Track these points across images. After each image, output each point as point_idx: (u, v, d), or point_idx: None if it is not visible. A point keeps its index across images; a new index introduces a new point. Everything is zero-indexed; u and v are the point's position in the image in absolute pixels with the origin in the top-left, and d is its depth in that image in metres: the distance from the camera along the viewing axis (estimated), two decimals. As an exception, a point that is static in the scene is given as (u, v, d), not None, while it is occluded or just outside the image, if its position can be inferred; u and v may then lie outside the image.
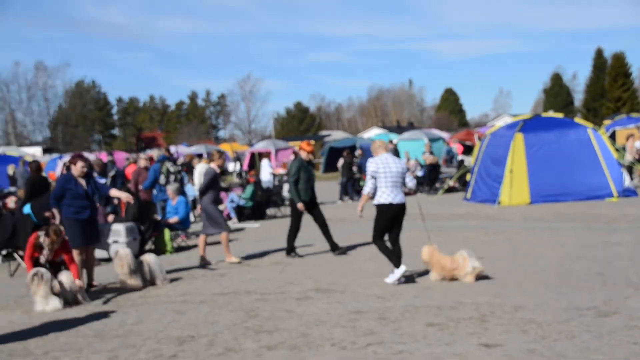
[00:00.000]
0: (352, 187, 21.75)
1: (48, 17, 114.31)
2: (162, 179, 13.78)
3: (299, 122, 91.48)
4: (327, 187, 26.09)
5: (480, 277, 8.55)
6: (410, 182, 8.93)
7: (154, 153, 16.67)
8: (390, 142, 24.40)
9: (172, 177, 13.78)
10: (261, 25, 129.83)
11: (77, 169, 9.17)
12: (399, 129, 64.78)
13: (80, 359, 6.04)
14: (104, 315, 7.75)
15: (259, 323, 6.99)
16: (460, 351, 5.73)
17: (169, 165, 13.95)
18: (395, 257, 8.58)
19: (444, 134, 43.08)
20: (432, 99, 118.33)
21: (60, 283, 8.28)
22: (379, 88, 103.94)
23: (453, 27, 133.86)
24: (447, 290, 8.07)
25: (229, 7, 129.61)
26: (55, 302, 8.10)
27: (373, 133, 57.38)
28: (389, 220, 8.60)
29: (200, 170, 16.65)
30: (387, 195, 8.54)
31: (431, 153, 24.69)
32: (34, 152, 50.50)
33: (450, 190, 22.27)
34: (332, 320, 6.97)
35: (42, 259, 8.74)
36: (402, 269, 8.49)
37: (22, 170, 20.70)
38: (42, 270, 8.19)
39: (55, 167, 30.53)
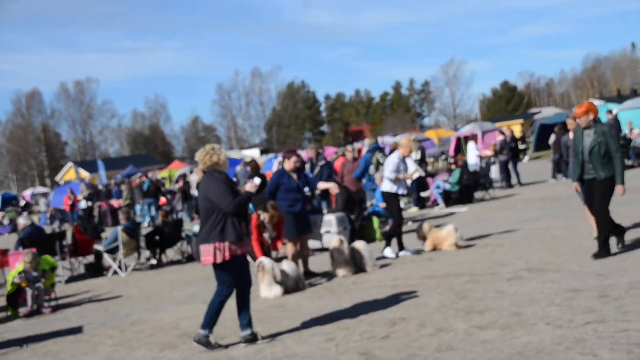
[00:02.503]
0: (565, 163, 20.54)
1: (261, 25, 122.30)
2: (371, 169, 14.08)
3: (507, 102, 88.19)
4: (539, 165, 24.97)
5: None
6: None
7: (365, 142, 17.14)
8: (610, 112, 22.57)
9: (381, 167, 14.06)
10: (462, 6, 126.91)
11: (290, 163, 9.74)
12: (619, 98, 59.62)
13: (300, 340, 6.44)
14: (320, 300, 8.18)
15: (469, 304, 6.92)
16: (694, 329, 5.21)
17: (379, 155, 14.25)
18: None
19: (673, 99, 38.82)
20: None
21: (282, 271, 8.87)
22: (596, 57, 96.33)
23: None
24: (678, 265, 7.35)
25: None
26: (277, 289, 8.70)
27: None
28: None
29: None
30: None
31: (657, 120, 22.53)
32: (252, 154, 54.36)
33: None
34: (547, 299, 6.70)
35: (266, 236, 9.66)
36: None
37: (243, 170, 22.39)
38: (265, 260, 8.83)
39: (271, 167, 32.57)
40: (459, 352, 5.43)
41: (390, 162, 10.48)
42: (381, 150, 14.82)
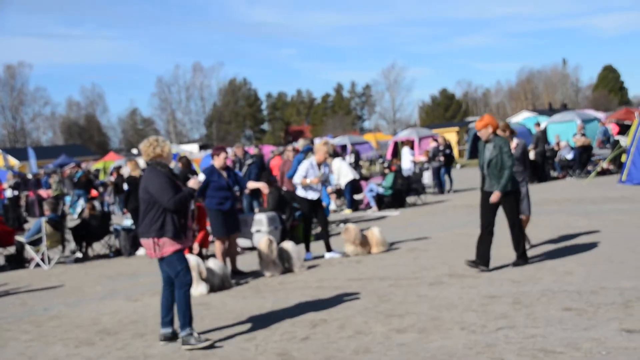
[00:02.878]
0: None
1: (204, 20, 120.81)
2: None
3: (445, 109, 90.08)
4: (472, 173, 25.56)
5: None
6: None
7: (300, 143, 17.16)
8: (537, 124, 23.44)
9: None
10: (405, 13, 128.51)
11: (220, 160, 9.67)
12: (550, 111, 61.72)
13: (221, 339, 6.42)
14: (245, 299, 8.17)
15: (390, 307, 7.05)
16: (598, 336, 5.46)
17: (312, 156, 14.31)
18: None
19: (600, 115, 40.47)
20: (588, 78, 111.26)
21: (209, 269, 8.80)
22: (529, 70, 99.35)
23: (611, 0, 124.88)
24: (589, 275, 7.68)
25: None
26: (202, 287, 8.64)
27: (522, 117, 55.11)
28: None
29: (337, 164, 16.91)
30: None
31: (583, 135, 23.43)
32: (191, 149, 53.74)
33: (604, 173, 20.99)
34: (464, 304, 6.89)
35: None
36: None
37: (177, 166, 22.10)
38: (191, 257, 8.75)
39: (209, 163, 32.33)
40: (375, 355, 5.53)
41: (301, 168, 10.57)
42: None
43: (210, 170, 9.68)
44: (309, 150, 14.61)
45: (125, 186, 14.21)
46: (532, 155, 21.47)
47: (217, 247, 9.62)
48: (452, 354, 5.35)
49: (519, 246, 8.62)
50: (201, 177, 6.37)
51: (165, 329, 6.47)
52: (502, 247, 9.91)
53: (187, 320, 6.25)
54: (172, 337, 6.45)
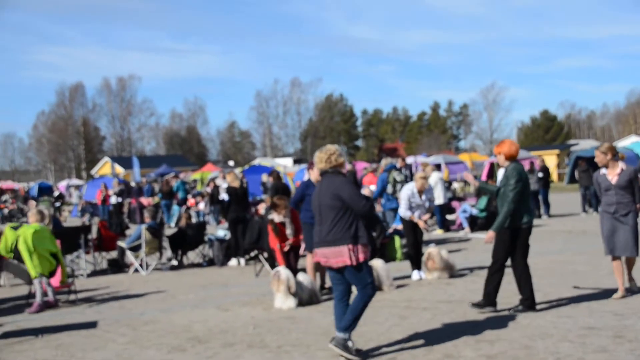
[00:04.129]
0: (594, 197, 20.29)
1: (303, 35, 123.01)
2: (389, 188, 14.11)
3: (545, 131, 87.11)
4: (571, 197, 24.63)
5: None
6: None
7: (382, 163, 17.10)
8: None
9: (398, 186, 14.01)
10: (507, 32, 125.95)
11: (316, 174, 9.77)
12: (659, 136, 58.57)
13: (307, 355, 6.44)
14: (332, 315, 8.14)
15: (480, 332, 6.85)
16: None
17: (395, 174, 14.26)
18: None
19: None
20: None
21: (298, 283, 8.88)
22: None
23: None
24: (699, 312, 7.18)
25: (475, 16, 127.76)
26: (291, 301, 8.72)
27: (630, 141, 52.61)
28: None
29: (435, 178, 16.67)
30: None
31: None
32: (285, 162, 54.58)
33: None
34: (559, 334, 6.60)
35: (287, 247, 9.76)
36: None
37: (267, 180, 22.56)
38: (282, 269, 8.86)
39: (302, 177, 32.71)
40: (463, 381, 5.38)
41: (403, 199, 10.46)
42: (398, 169, 14.79)
43: (306, 184, 9.79)
44: (391, 168, 14.54)
45: (224, 196, 14.57)
46: None
47: (308, 261, 9.68)
48: (545, 386, 5.13)
49: (485, 291, 7.79)
50: (372, 187, 6.60)
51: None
52: (603, 276, 9.48)
53: (350, 325, 6.21)
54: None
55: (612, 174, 8.15)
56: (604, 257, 8.68)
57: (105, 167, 63.70)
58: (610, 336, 6.43)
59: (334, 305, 6.43)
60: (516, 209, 7.53)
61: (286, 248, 10.09)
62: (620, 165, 8.20)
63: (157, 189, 31.17)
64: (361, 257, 6.16)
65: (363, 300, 6.19)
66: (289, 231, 10.08)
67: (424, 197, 10.50)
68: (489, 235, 7.66)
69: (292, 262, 10.11)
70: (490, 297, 7.74)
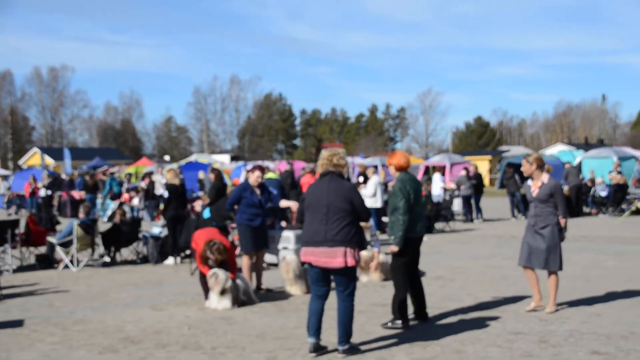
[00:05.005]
0: (521, 202, 20.99)
1: (244, 32, 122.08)
2: None
3: (478, 137, 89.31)
4: (502, 202, 25.39)
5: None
6: None
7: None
8: (568, 163, 23.24)
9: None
10: (444, 39, 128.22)
11: (254, 178, 9.76)
12: (586, 146, 60.98)
13: (242, 357, 6.43)
14: (268, 317, 8.17)
15: (414, 336, 6.98)
16: (625, 384, 5.34)
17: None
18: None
19: (638, 153, 39.88)
20: (628, 115, 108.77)
21: (234, 284, 8.83)
22: (568, 104, 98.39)
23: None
24: (619, 319, 7.52)
25: (414, 22, 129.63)
26: (226, 302, 8.67)
27: (557, 149, 54.54)
28: None
29: (374, 181, 16.84)
30: None
31: (619, 172, 23.12)
32: (222, 159, 54.09)
33: (639, 212, 20.64)
34: (489, 339, 6.80)
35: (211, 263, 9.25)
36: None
37: (208, 177, 22.31)
38: (219, 271, 8.78)
39: (239, 174, 32.51)
40: (396, 384, 5.47)
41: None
42: None
43: (244, 186, 9.76)
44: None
45: (163, 193, 14.32)
46: (565, 189, 21.23)
47: (244, 262, 9.66)
48: (474, 390, 5.28)
49: (393, 306, 7.50)
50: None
51: (314, 339, 6.40)
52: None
53: (350, 335, 6.38)
54: (321, 348, 6.43)
55: (535, 186, 8.05)
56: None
57: (34, 157, 61.63)
58: (535, 341, 6.67)
59: (312, 302, 6.46)
60: (410, 218, 7.31)
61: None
62: (543, 178, 8.02)
63: (90, 182, 30.44)
64: (357, 260, 6.36)
65: (351, 307, 6.41)
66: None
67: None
68: (391, 249, 7.41)
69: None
70: (400, 310, 7.43)
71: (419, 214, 7.48)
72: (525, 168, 8.17)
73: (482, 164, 31.72)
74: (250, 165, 26.93)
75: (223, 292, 8.63)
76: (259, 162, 27.90)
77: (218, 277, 8.66)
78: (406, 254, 7.41)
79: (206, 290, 8.87)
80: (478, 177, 20.99)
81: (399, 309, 7.39)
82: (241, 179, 28.31)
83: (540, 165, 8.10)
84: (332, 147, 6.73)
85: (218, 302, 8.67)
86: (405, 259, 7.44)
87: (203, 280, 8.91)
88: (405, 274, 7.47)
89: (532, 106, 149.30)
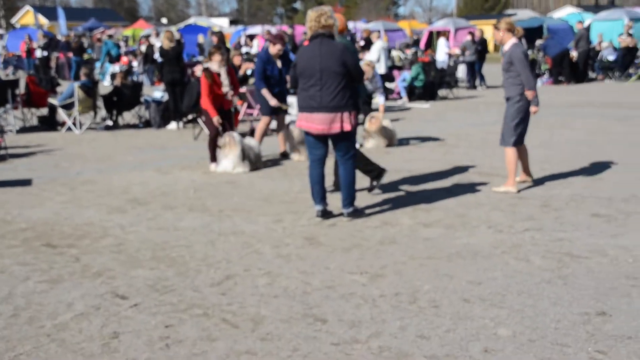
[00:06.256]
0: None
1: None
2: None
3: (484, 0, 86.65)
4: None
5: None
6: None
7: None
8: (580, 23, 22.46)
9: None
10: None
11: (275, 49, 9.44)
12: (596, 8, 59.05)
13: (249, 219, 6.54)
14: (273, 181, 8.25)
15: (417, 200, 7.09)
16: (626, 244, 5.49)
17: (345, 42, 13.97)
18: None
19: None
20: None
21: (249, 147, 8.79)
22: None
23: None
24: (621, 183, 7.61)
25: None
26: (243, 166, 8.66)
27: (565, 12, 52.91)
28: None
29: (378, 46, 16.46)
30: None
31: (630, 35, 22.49)
32: (221, 23, 52.75)
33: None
34: (491, 203, 6.91)
35: (226, 90, 8.93)
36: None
37: (210, 40, 21.79)
38: (234, 134, 8.71)
39: (237, 38, 31.80)
40: (400, 247, 5.61)
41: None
42: (349, 35, 14.53)
43: (265, 59, 9.42)
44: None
45: (157, 57, 14.05)
46: (574, 54, 20.85)
47: (260, 126, 9.59)
48: (477, 252, 5.42)
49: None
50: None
51: (321, 206, 6.46)
52: (534, 147, 9.82)
53: (353, 198, 6.43)
54: (328, 213, 6.50)
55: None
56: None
57: (27, 16, 59.78)
58: (537, 205, 6.78)
59: (311, 169, 6.45)
60: None
61: (227, 94, 9.11)
62: (508, 44, 7.28)
63: (87, 44, 29.81)
64: (354, 124, 6.25)
65: (352, 171, 6.40)
66: (226, 83, 9.07)
67: (369, 86, 10.38)
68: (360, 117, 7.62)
69: (226, 125, 9.74)
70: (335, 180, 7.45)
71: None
72: (495, 36, 7.46)
73: (487, 29, 30.80)
74: (250, 30, 26.35)
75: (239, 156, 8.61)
76: (277, 29, 26.43)
77: (235, 139, 8.59)
78: None
79: (214, 152, 8.85)
80: (483, 42, 20.52)
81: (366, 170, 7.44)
82: (242, 44, 27.67)
83: (509, 29, 7.29)
84: (318, 7, 6.35)
85: (234, 166, 8.66)
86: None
87: (213, 143, 8.86)
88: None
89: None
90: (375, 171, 7.47)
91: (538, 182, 7.82)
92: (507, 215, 6.47)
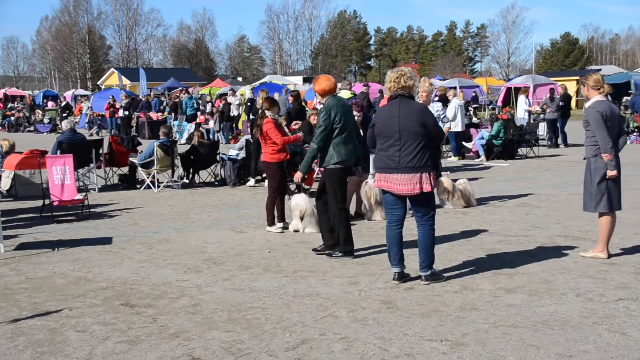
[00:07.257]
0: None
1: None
2: None
3: (565, 56, 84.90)
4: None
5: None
6: None
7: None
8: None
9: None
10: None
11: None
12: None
13: (325, 281, 6.40)
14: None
15: (499, 265, 6.78)
16: None
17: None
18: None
19: None
20: None
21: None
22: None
23: None
24: None
25: None
26: (311, 227, 8.61)
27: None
28: None
29: (454, 104, 16.31)
30: None
31: None
32: (295, 80, 53.86)
33: None
34: (579, 269, 6.53)
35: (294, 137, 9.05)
36: None
37: (284, 98, 22.18)
38: (299, 197, 8.65)
39: (313, 97, 32.27)
40: (482, 314, 5.33)
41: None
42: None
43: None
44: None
45: (236, 113, 14.28)
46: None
47: (352, 184, 9.48)
48: (565, 321, 5.08)
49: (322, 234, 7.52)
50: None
51: (399, 268, 6.31)
52: (624, 210, 9.33)
53: (432, 261, 6.27)
54: (406, 276, 6.36)
55: None
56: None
57: (112, 77, 62.90)
58: (631, 272, 6.36)
59: (388, 230, 6.30)
60: (325, 147, 7.10)
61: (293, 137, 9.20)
62: (590, 101, 6.91)
63: (166, 104, 30.87)
64: (433, 185, 6.15)
65: (431, 233, 6.22)
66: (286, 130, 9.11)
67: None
68: (296, 175, 7.53)
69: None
70: (326, 242, 7.44)
71: (345, 143, 7.17)
72: (582, 91, 7.14)
73: (569, 85, 30.08)
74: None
75: (304, 217, 8.59)
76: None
77: (299, 204, 8.56)
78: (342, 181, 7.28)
79: (272, 213, 8.76)
80: (566, 99, 20.00)
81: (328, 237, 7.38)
82: (314, 103, 28.08)
83: (594, 86, 6.89)
84: (398, 67, 6.36)
85: (304, 227, 8.61)
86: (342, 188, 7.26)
87: (272, 204, 8.75)
88: (343, 205, 7.33)
89: (627, 20, 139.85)
90: (336, 244, 7.31)
91: (632, 248, 7.37)
92: (597, 282, 6.08)
